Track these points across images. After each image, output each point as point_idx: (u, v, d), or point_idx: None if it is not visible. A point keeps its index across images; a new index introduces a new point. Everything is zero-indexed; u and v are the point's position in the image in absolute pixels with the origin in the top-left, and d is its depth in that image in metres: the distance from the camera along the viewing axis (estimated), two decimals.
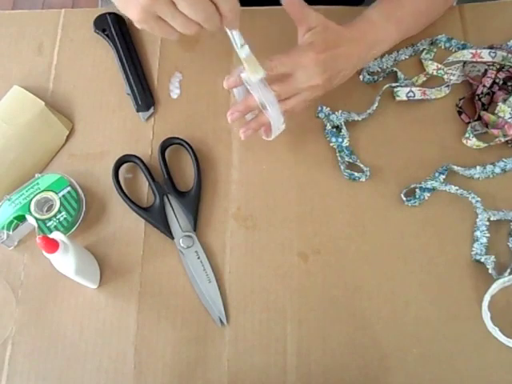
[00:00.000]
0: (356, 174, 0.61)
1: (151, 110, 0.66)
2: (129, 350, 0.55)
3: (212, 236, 0.60)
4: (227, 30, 0.51)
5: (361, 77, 0.67)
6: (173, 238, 0.59)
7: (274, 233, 0.60)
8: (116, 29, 0.69)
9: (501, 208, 0.60)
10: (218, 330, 0.56)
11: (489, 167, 0.61)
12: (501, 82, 0.65)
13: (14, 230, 0.58)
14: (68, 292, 0.57)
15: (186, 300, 0.57)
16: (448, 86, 0.65)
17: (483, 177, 0.62)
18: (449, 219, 0.60)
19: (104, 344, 0.56)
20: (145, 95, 0.66)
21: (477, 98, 0.65)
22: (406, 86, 0.65)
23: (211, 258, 0.59)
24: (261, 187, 0.62)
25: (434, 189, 0.61)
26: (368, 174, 0.61)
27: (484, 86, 0.64)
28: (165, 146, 0.63)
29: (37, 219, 0.58)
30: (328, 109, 0.65)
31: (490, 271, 0.56)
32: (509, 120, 0.61)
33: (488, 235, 0.58)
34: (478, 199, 0.60)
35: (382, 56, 0.68)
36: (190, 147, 0.62)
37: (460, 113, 0.65)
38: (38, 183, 0.59)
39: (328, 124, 0.64)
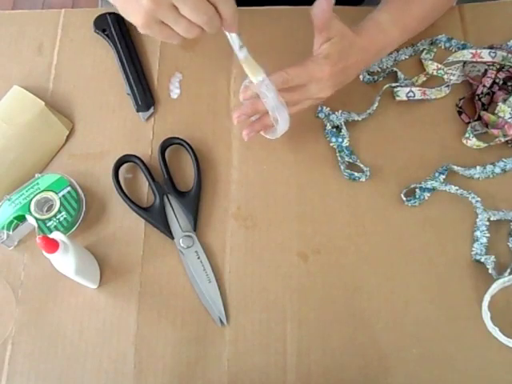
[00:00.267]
0: (356, 174, 0.61)
1: (151, 110, 0.66)
2: (129, 350, 0.55)
3: (212, 236, 0.60)
4: (226, 33, 0.51)
5: (361, 77, 0.67)
6: (173, 238, 0.59)
7: (274, 233, 0.60)
8: (116, 29, 0.69)
9: (501, 208, 0.60)
10: (218, 329, 0.56)
11: (489, 167, 0.61)
12: (501, 82, 0.65)
13: (14, 229, 0.58)
14: (68, 292, 0.57)
15: (186, 300, 0.57)
16: (448, 85, 0.65)
17: (483, 177, 0.62)
18: (449, 219, 0.60)
19: (104, 344, 0.56)
20: (145, 95, 0.66)
21: (477, 98, 0.65)
22: (406, 86, 0.65)
23: (211, 258, 0.59)
24: (261, 187, 0.62)
25: (433, 189, 0.61)
26: (368, 173, 0.61)
27: (484, 86, 0.64)
28: (165, 146, 0.63)
29: (37, 219, 0.58)
30: (328, 109, 0.65)
31: (490, 271, 0.56)
32: (509, 120, 0.61)
33: (488, 235, 0.58)
34: (478, 199, 0.60)
35: None
36: (190, 147, 0.62)
37: (460, 113, 0.65)
38: (37, 183, 0.59)
39: (328, 124, 0.64)
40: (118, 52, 0.68)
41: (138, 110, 0.66)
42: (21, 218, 0.58)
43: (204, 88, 0.67)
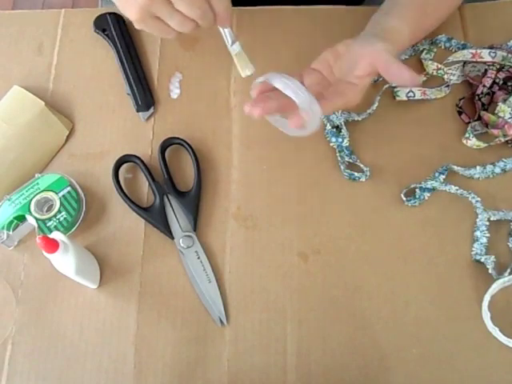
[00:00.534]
0: (356, 173, 0.61)
1: (151, 110, 0.66)
2: (129, 350, 0.55)
3: (212, 236, 0.60)
4: (219, 28, 0.53)
5: None
6: (173, 237, 0.59)
7: (274, 233, 0.60)
8: (116, 29, 0.69)
9: (501, 208, 0.60)
10: (218, 329, 0.56)
11: (489, 167, 0.61)
12: (501, 82, 0.65)
13: (14, 230, 0.58)
14: (68, 292, 0.57)
15: (186, 300, 0.57)
16: (448, 85, 0.65)
17: (483, 177, 0.62)
18: (449, 219, 0.60)
19: (104, 344, 0.56)
20: (145, 95, 0.66)
21: (477, 98, 0.65)
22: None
23: (211, 258, 0.59)
24: (261, 187, 0.62)
25: (433, 189, 0.61)
26: (368, 174, 0.61)
27: (484, 86, 0.64)
28: (165, 146, 0.63)
29: (37, 219, 0.58)
30: None
31: (490, 271, 0.56)
32: (509, 120, 0.61)
33: (488, 235, 0.58)
34: (478, 199, 0.60)
35: None
36: (190, 147, 0.62)
37: (460, 113, 0.65)
38: (37, 183, 0.59)
39: (328, 124, 0.64)
40: (118, 52, 0.68)
41: (137, 110, 0.66)
42: (21, 218, 0.58)
43: (204, 88, 0.67)
